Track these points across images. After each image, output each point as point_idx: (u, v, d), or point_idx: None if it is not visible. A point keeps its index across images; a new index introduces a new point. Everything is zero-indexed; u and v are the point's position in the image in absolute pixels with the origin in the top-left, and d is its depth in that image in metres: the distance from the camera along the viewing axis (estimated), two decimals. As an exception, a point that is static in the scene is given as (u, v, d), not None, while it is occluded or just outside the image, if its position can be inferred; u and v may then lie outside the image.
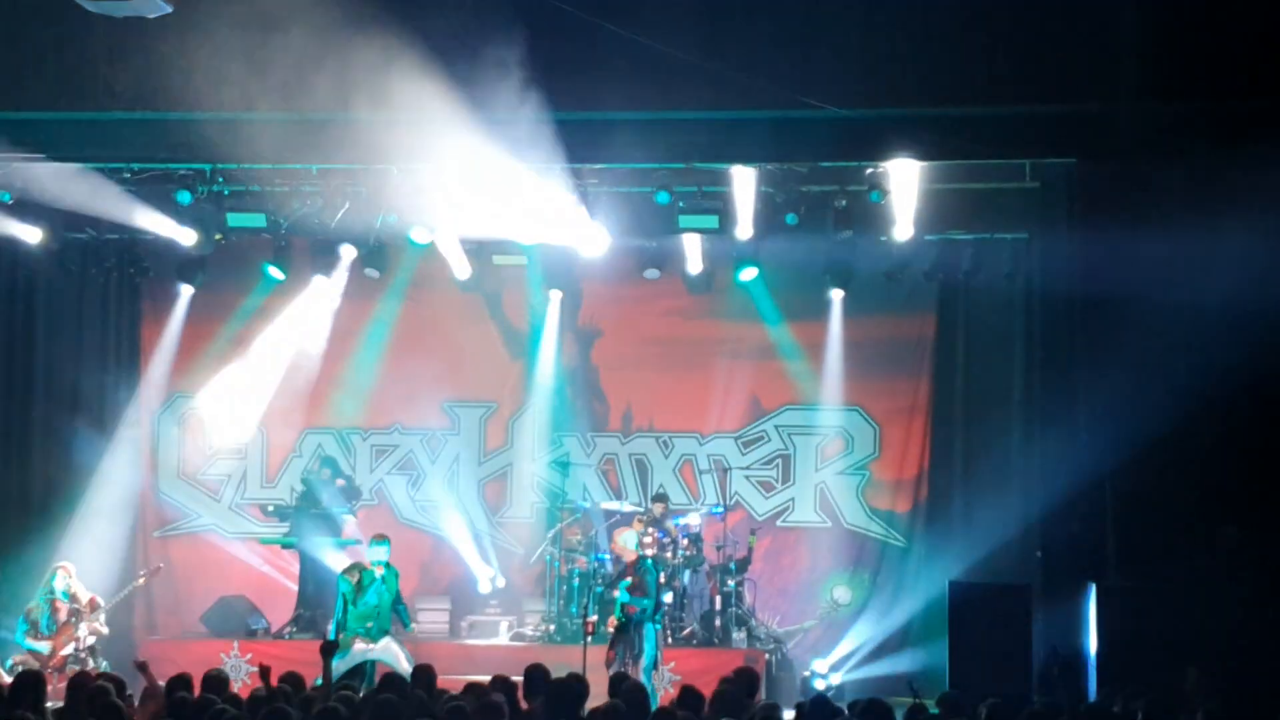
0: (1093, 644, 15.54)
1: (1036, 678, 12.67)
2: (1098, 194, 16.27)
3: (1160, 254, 15.20)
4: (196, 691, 11.05)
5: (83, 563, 17.42)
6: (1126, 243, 15.69)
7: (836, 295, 18.75)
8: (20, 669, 15.33)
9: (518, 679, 11.64)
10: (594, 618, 15.69)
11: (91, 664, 15.68)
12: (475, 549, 19.46)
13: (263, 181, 17.71)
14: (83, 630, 16.19)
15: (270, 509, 18.73)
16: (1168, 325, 15.53)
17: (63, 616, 16.15)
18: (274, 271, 18.83)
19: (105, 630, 16.66)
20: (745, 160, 16.94)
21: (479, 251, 18.95)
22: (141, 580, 17.61)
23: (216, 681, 11.77)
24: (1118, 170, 16.05)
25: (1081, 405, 16.56)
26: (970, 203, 17.59)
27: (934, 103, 15.55)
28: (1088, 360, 16.68)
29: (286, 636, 17.89)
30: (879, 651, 18.10)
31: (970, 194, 17.53)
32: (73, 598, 16.34)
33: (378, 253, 18.67)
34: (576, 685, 11.00)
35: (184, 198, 17.40)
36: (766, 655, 17.24)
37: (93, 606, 16.47)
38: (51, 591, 16.23)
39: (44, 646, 16.02)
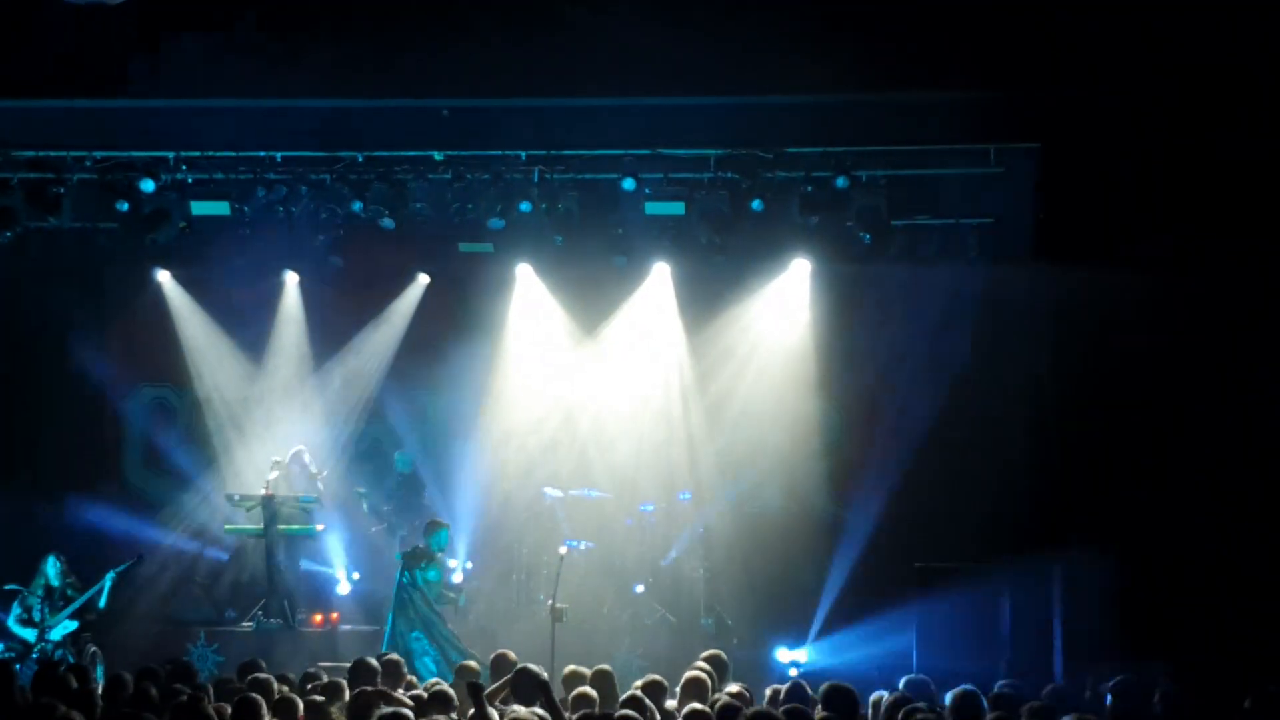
0: (1060, 625, 15.61)
1: (1003, 662, 12.71)
2: (1062, 178, 16.36)
3: (1124, 234, 15.31)
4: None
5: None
6: (1091, 226, 15.79)
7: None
8: (9, 655, 15.40)
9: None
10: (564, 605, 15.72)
11: (72, 657, 15.56)
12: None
13: (226, 169, 17.62)
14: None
15: (236, 497, 18.64)
16: (1131, 303, 15.63)
17: (55, 603, 16.04)
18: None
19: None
20: (710, 146, 16.96)
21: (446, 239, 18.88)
22: (123, 569, 17.23)
23: (184, 671, 11.78)
24: (1082, 154, 16.13)
25: (1047, 383, 16.65)
26: (935, 188, 17.59)
27: (898, 88, 15.57)
28: (1051, 338, 16.78)
29: (253, 625, 17.86)
30: (846, 635, 18.09)
31: (935, 179, 17.53)
32: (66, 584, 16.21)
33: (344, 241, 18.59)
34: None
35: (147, 186, 17.32)
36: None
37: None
38: (46, 579, 16.11)
39: (31, 633, 15.92)
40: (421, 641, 16.06)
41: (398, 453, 19.54)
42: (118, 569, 16.26)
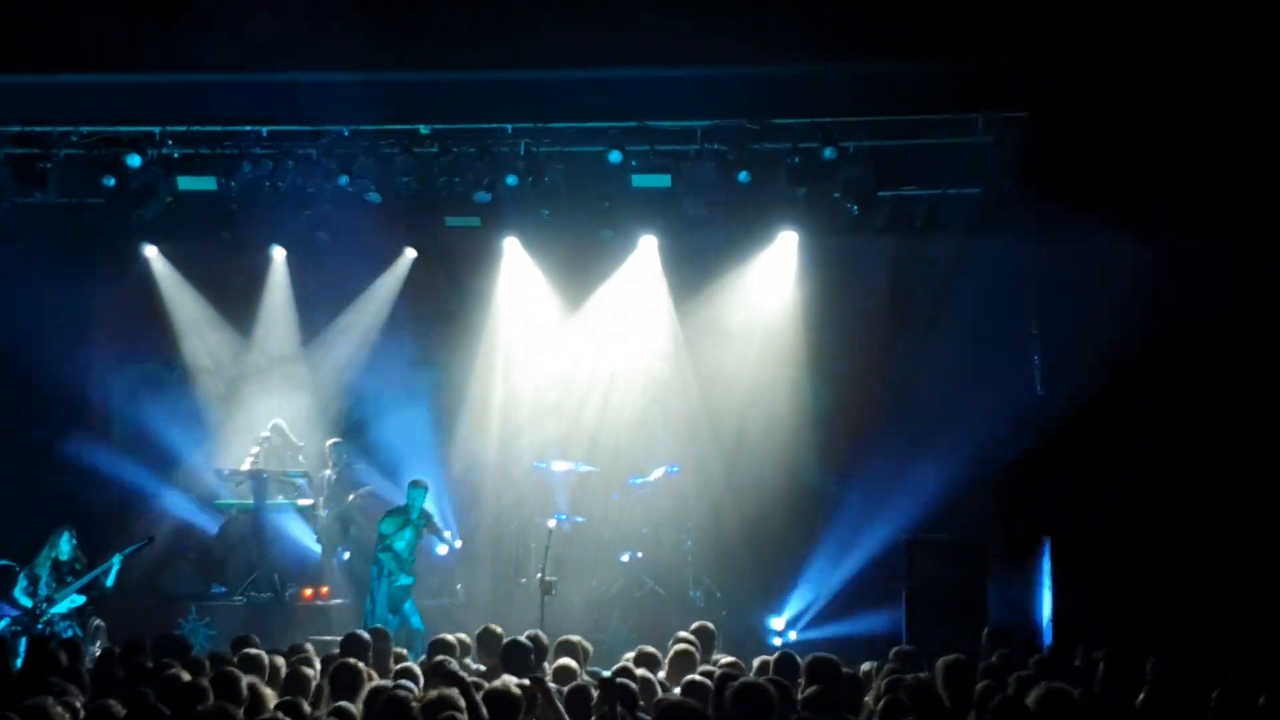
0: (1048, 598, 15.66)
1: (987, 635, 12.74)
2: (1050, 147, 16.34)
3: (1112, 203, 15.30)
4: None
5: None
6: (1079, 196, 15.78)
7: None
8: (15, 629, 15.40)
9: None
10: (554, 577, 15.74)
11: (73, 631, 15.56)
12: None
13: (212, 144, 17.58)
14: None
15: (225, 472, 18.63)
16: (1119, 272, 15.63)
17: (63, 577, 16.01)
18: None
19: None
20: (697, 118, 16.93)
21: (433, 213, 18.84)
22: (132, 550, 17.06)
23: (176, 645, 11.78)
24: (1071, 123, 16.11)
25: (1037, 358, 16.67)
26: (923, 158, 17.56)
27: (886, 57, 15.54)
28: (1040, 307, 16.78)
29: (241, 600, 17.89)
30: (834, 608, 18.13)
31: (923, 150, 17.50)
32: (76, 559, 16.18)
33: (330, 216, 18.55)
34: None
35: (133, 160, 17.27)
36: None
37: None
38: (56, 551, 16.09)
39: (31, 602, 15.90)
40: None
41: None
42: (126, 550, 16.21)
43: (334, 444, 19.23)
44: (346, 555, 18.87)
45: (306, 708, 9.11)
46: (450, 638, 11.85)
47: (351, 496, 18.86)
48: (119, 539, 16.82)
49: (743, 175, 17.23)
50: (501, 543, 18.89)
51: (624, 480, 19.03)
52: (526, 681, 9.26)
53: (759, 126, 17.10)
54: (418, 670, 10.53)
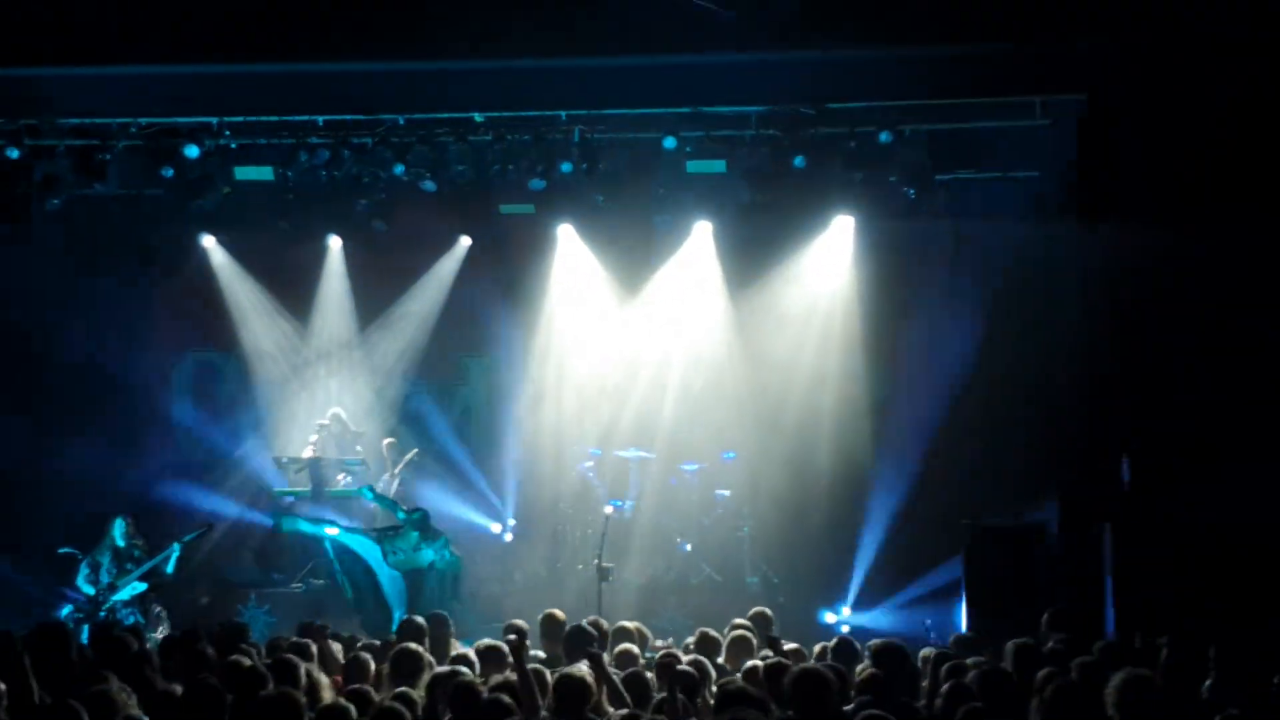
0: (1109, 583, 15.54)
1: (1047, 620, 12.65)
2: (1109, 130, 16.19)
3: (1172, 188, 15.14)
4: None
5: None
6: (1138, 179, 15.63)
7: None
8: (78, 616, 15.55)
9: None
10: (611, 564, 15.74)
11: (135, 618, 15.70)
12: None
13: (269, 134, 17.67)
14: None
15: (284, 460, 18.74)
16: (1178, 259, 15.47)
17: (123, 564, 16.15)
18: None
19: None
20: (751, 103, 16.89)
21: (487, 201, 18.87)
22: (192, 538, 17.16)
23: (236, 632, 11.87)
24: (1130, 105, 15.95)
25: (1093, 339, 16.52)
26: (980, 142, 17.44)
27: (942, 39, 15.43)
28: (1097, 293, 16.63)
29: (300, 588, 18.01)
30: (890, 594, 18.07)
31: (980, 133, 17.37)
32: (133, 546, 16.31)
33: (386, 204, 18.62)
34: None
35: (191, 151, 17.37)
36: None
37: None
38: (114, 540, 16.23)
39: (94, 590, 16.03)
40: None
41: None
42: (186, 538, 16.31)
43: (390, 444, 19.28)
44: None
45: (376, 695, 9.14)
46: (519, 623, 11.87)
47: (399, 467, 18.85)
48: (179, 527, 16.92)
49: (798, 160, 17.17)
50: (558, 529, 18.92)
51: (680, 466, 19.02)
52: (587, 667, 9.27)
53: (814, 111, 17.03)
54: (473, 655, 10.56)
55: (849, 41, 15.47)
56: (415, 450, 19.10)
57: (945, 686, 9.03)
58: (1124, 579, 15.65)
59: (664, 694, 9.19)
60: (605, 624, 11.92)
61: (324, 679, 9.68)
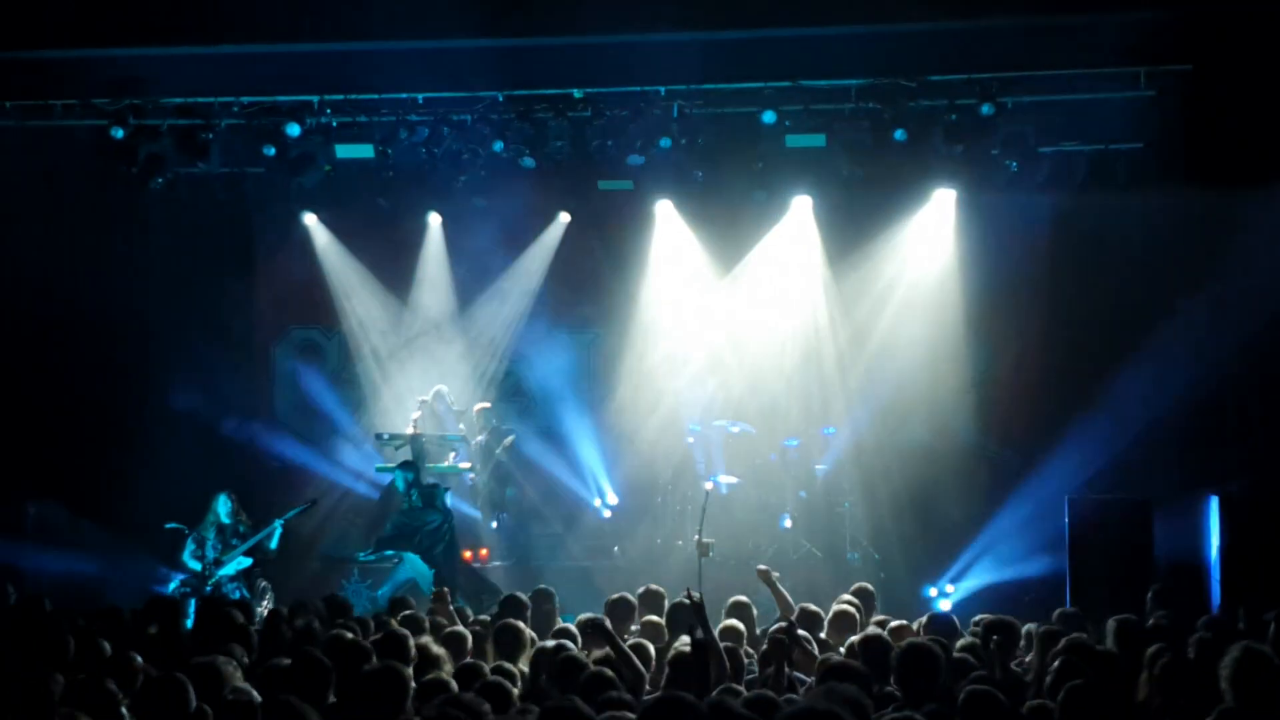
0: (1214, 557, 15.34)
1: (1152, 596, 12.51)
2: (1215, 101, 15.92)
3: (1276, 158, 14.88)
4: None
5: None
6: (1245, 151, 15.36)
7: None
8: (185, 590, 15.79)
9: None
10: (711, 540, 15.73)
11: (240, 592, 15.92)
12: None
13: (370, 112, 17.79)
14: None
15: (385, 436, 18.88)
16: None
17: (228, 540, 16.38)
18: None
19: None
20: (851, 76, 16.78)
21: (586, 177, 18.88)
22: (295, 513, 16.93)
23: (339, 606, 11.99)
24: (1237, 76, 15.68)
25: (1202, 313, 16.28)
26: (1084, 113, 17.20)
27: (1044, 9, 15.24)
28: (1204, 266, 16.38)
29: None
30: (994, 570, 17.91)
31: (1083, 104, 17.13)
32: (238, 521, 16.53)
33: (485, 181, 18.67)
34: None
35: (293, 130, 17.53)
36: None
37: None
38: (218, 516, 16.46)
39: (200, 565, 16.27)
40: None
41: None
42: (288, 514, 16.49)
43: (482, 409, 19.40)
44: (495, 525, 19.00)
45: (486, 669, 9.18)
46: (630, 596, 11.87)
47: (498, 450, 18.99)
48: (283, 503, 17.10)
49: (899, 133, 17.02)
50: (658, 504, 18.93)
51: (780, 442, 18.97)
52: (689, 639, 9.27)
53: (915, 84, 16.87)
54: (574, 630, 10.58)
55: (949, 12, 15.31)
56: (512, 436, 19.18)
57: (1054, 662, 8.94)
58: (1231, 554, 15.45)
59: (771, 668, 9.18)
60: (699, 597, 11.89)
61: (443, 651, 9.71)
